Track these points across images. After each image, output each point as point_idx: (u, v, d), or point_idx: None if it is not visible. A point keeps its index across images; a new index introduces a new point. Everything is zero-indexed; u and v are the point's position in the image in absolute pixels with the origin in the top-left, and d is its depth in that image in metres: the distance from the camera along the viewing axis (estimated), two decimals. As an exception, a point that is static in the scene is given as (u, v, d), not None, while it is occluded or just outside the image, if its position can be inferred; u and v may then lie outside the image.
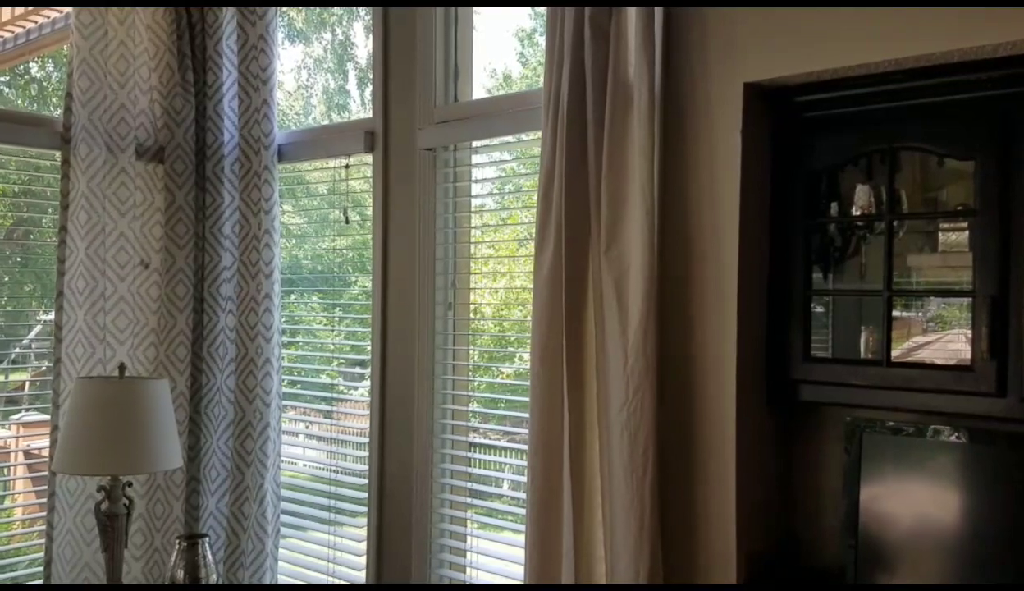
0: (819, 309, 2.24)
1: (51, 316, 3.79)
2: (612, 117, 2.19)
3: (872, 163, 2.10)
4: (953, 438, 1.92)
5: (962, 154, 1.95)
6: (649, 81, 2.13)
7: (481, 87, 3.24)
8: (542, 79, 2.39)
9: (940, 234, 2.09)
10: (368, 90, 4.17)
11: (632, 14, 2.18)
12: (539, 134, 2.41)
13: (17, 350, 3.85)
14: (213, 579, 2.83)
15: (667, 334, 2.20)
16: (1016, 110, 1.85)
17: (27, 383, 4.01)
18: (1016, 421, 1.85)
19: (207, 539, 2.86)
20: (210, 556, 2.83)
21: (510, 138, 2.82)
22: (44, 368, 3.82)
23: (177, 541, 2.85)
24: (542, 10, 2.62)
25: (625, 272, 2.18)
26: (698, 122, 2.18)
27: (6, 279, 3.66)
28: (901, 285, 2.10)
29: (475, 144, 2.86)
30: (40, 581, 3.12)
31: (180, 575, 2.79)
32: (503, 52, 3.53)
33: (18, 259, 3.92)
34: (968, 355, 1.92)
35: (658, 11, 2.17)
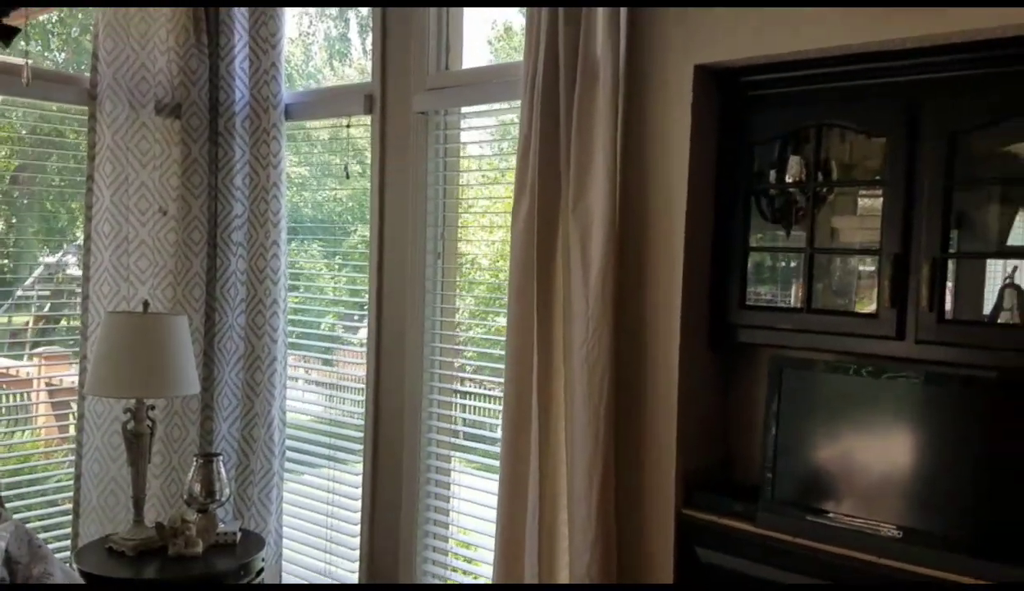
0: (765, 264, 2.58)
1: (53, 259, 4.11)
2: (581, 91, 2.51)
3: (806, 137, 2.42)
4: (857, 374, 2.26)
5: (876, 132, 2.27)
6: (613, 60, 2.45)
7: (482, 38, 3.50)
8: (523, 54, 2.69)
9: (860, 200, 2.42)
10: (369, 38, 4.39)
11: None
12: (519, 102, 2.72)
13: (20, 292, 4.09)
14: (227, 493, 3.20)
15: (624, 282, 2.54)
16: (921, 94, 2.17)
17: (30, 321, 4.26)
18: (912, 360, 2.20)
19: (221, 457, 3.24)
20: (223, 472, 3.21)
21: (495, 105, 3.12)
22: (48, 308, 4.11)
23: (195, 459, 3.22)
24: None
25: (589, 227, 2.51)
26: (655, 97, 2.50)
27: (14, 221, 3.90)
28: (829, 244, 2.44)
29: (463, 110, 3.17)
30: (70, 494, 3.50)
31: (197, 489, 3.17)
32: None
33: (24, 202, 4.17)
34: (874, 304, 2.26)
35: (623, -2, 2.48)
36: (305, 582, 3.74)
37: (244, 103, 3.58)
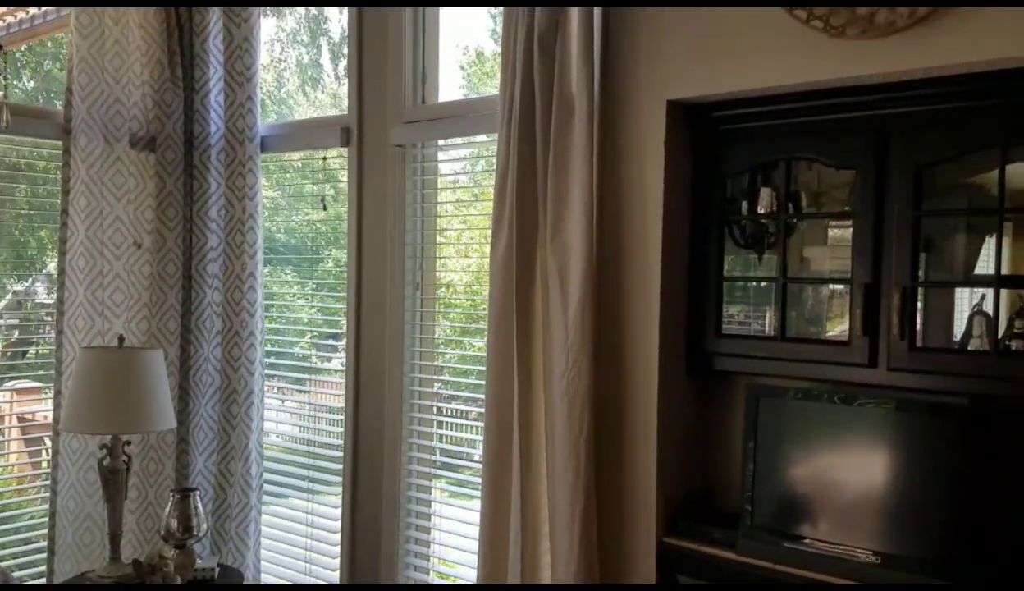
0: (736, 292, 2.63)
1: (22, 287, 4.07)
2: (557, 125, 2.55)
3: (776, 169, 2.47)
4: (831, 401, 2.31)
5: (844, 164, 2.33)
6: (588, 95, 2.49)
7: (453, 62, 3.53)
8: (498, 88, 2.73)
9: (830, 230, 2.47)
10: (341, 65, 4.41)
11: (575, 36, 2.52)
12: (495, 135, 2.76)
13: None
14: (204, 528, 3.17)
15: (602, 313, 2.57)
16: (889, 128, 2.23)
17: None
18: (885, 387, 2.25)
19: (198, 492, 3.20)
20: (201, 507, 3.17)
21: (472, 138, 3.16)
22: (15, 338, 4.07)
23: (171, 494, 3.18)
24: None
25: (567, 260, 2.54)
26: (629, 132, 2.54)
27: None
28: (800, 273, 2.49)
29: (440, 142, 3.20)
30: (44, 531, 3.45)
31: (174, 524, 3.12)
32: (474, 29, 3.77)
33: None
34: (847, 332, 2.31)
35: (597, 34, 2.53)
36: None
37: (219, 136, 3.58)
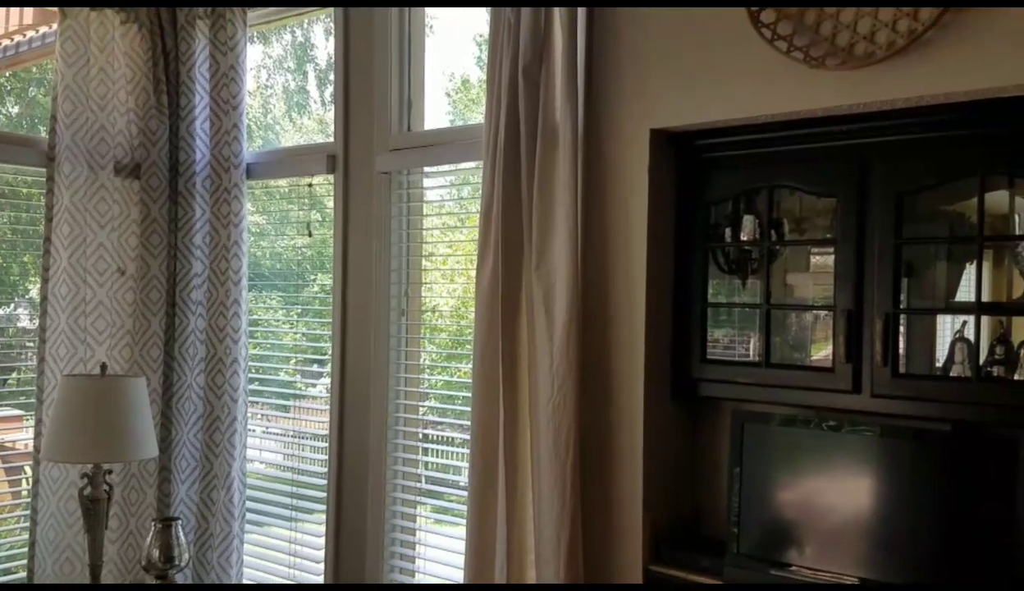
0: (721, 317, 2.64)
1: (2, 312, 4.04)
2: (542, 154, 2.57)
3: (759, 196, 2.49)
4: (817, 427, 2.32)
5: (825, 192, 2.35)
6: (573, 124, 2.51)
7: (439, 88, 3.56)
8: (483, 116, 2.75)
9: (812, 257, 2.49)
10: (327, 91, 4.44)
11: (559, 66, 2.55)
12: (480, 163, 2.77)
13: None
14: (185, 558, 3.13)
15: (588, 340, 2.58)
16: (869, 156, 2.26)
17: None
18: (868, 413, 2.26)
19: (180, 522, 3.17)
20: (183, 537, 3.14)
21: (457, 165, 3.17)
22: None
23: (152, 523, 3.16)
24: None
25: (552, 286, 2.55)
26: (613, 160, 2.56)
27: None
28: (784, 299, 2.51)
29: (426, 169, 3.21)
30: (23, 561, 3.40)
31: (155, 554, 3.09)
32: (460, 56, 3.81)
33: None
34: (830, 358, 2.32)
35: (581, 64, 2.55)
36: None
37: (204, 163, 3.58)
